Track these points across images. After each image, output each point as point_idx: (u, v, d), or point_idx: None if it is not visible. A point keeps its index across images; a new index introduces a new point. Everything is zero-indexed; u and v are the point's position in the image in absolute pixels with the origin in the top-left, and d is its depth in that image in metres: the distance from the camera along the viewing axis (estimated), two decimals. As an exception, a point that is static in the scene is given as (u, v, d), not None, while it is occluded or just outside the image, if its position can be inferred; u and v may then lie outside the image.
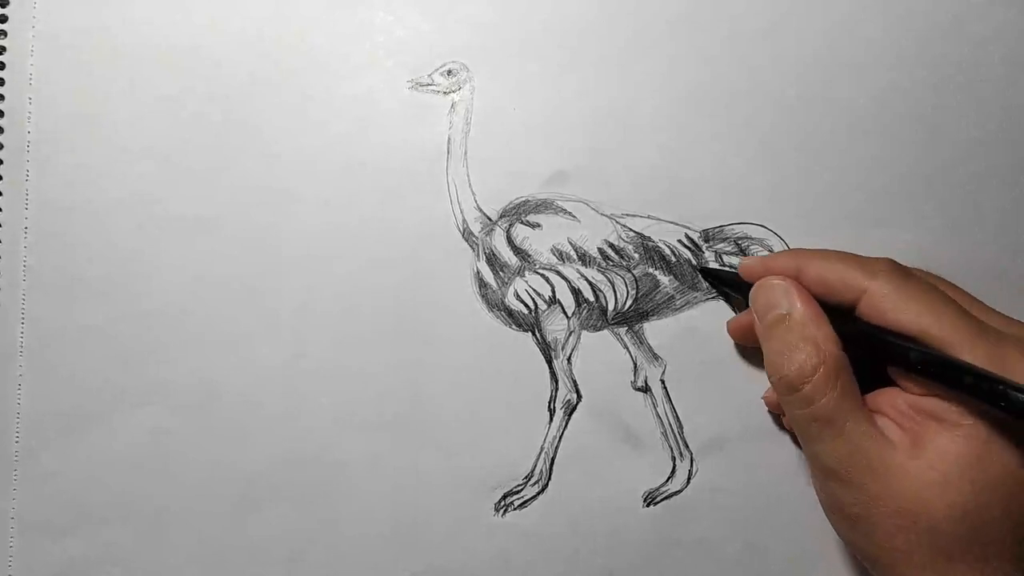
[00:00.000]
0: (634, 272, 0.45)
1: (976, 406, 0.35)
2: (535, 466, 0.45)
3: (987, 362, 0.35)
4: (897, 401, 0.38)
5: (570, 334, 0.45)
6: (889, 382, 0.39)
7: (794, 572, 0.45)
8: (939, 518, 0.35)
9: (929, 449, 0.35)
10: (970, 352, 0.35)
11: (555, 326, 0.45)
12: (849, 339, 0.38)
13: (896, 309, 0.37)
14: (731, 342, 0.45)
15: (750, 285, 0.42)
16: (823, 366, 0.37)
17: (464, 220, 0.45)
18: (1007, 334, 0.36)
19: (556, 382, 0.45)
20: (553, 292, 0.45)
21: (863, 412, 0.37)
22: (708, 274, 0.45)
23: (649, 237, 0.45)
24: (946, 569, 0.35)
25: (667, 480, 0.45)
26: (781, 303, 0.39)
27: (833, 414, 0.37)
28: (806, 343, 0.37)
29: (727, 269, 0.45)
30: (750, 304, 0.41)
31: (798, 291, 0.39)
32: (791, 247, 0.45)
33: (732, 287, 0.44)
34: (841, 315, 0.39)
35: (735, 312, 0.45)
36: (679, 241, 0.45)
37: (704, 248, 0.45)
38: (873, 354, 0.38)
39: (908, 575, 0.36)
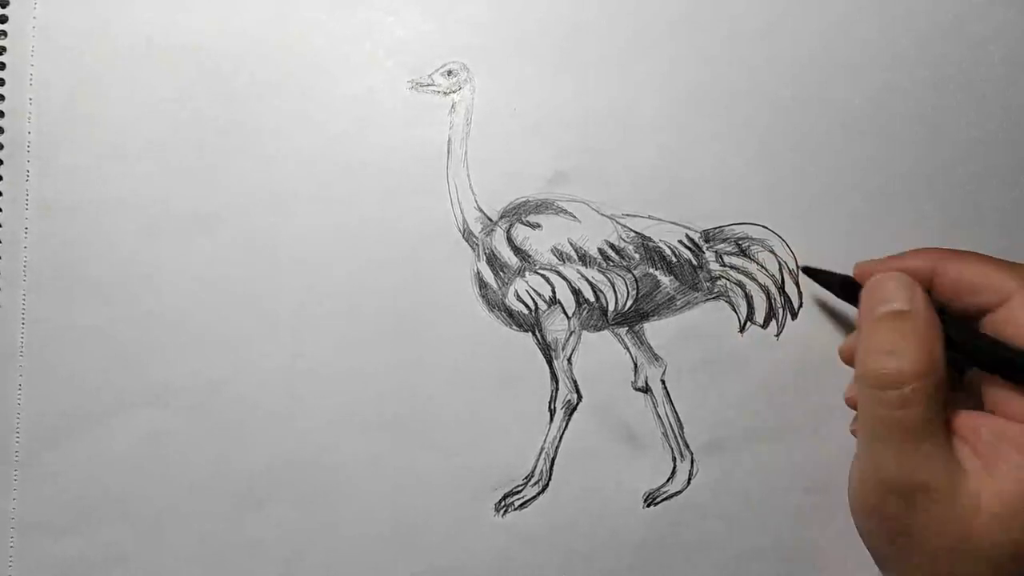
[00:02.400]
0: (634, 272, 0.45)
1: None
2: (535, 466, 0.45)
3: None
4: (980, 428, 0.36)
5: (570, 334, 0.45)
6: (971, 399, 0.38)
7: (794, 572, 0.45)
8: (989, 550, 0.34)
9: (1002, 479, 0.34)
10: None
11: (555, 326, 0.45)
12: (960, 349, 0.37)
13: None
14: (732, 342, 0.45)
15: (857, 289, 0.40)
16: (930, 376, 0.35)
17: (464, 220, 0.45)
18: None
19: (556, 382, 0.45)
20: (553, 292, 0.45)
21: (945, 432, 0.35)
22: (811, 273, 0.44)
23: (649, 237, 0.45)
24: None
25: (667, 480, 0.45)
26: (899, 297, 0.37)
27: (918, 426, 0.35)
28: (920, 345, 0.35)
29: (831, 271, 0.43)
30: (860, 302, 0.39)
31: (920, 290, 0.37)
32: (792, 247, 0.45)
33: (839, 290, 0.42)
34: (957, 325, 0.37)
35: (739, 318, 0.45)
36: (679, 241, 0.45)
37: (704, 248, 0.45)
38: (984, 367, 0.36)
39: None
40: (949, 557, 0.35)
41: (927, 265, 0.38)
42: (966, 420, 0.37)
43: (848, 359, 0.42)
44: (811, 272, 0.44)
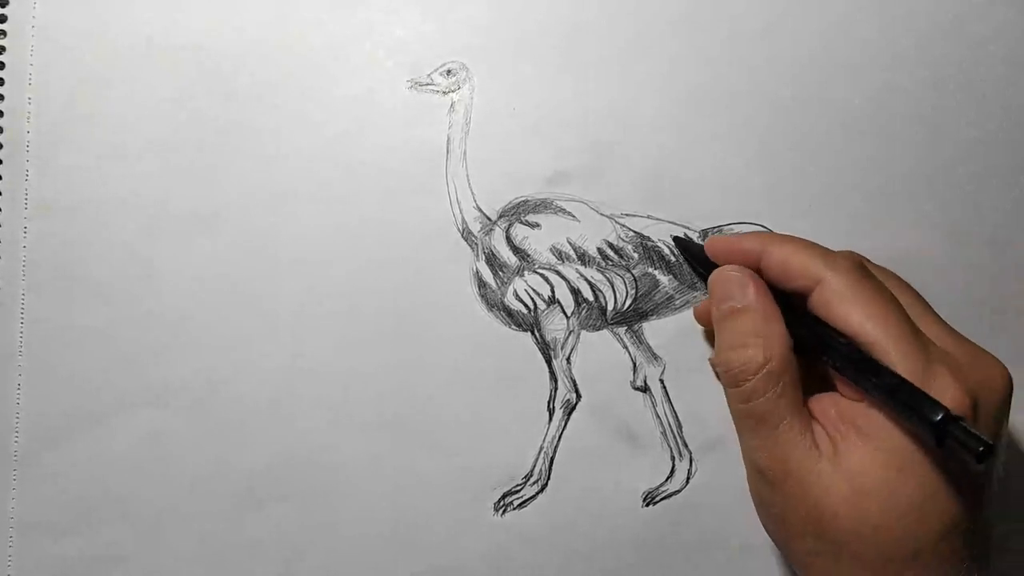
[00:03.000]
0: (633, 272, 0.45)
1: (898, 422, 0.35)
2: (534, 466, 0.45)
3: (913, 374, 0.34)
4: (829, 407, 0.37)
5: (569, 334, 0.45)
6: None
7: (793, 572, 0.45)
8: (846, 531, 0.35)
9: (847, 461, 0.35)
10: (901, 362, 0.34)
11: (554, 326, 0.45)
12: (799, 337, 0.38)
13: (842, 305, 0.36)
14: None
15: (711, 266, 0.41)
16: (768, 364, 0.37)
17: (463, 220, 0.45)
18: (947, 353, 0.36)
19: (555, 382, 0.45)
20: (552, 292, 0.45)
21: (800, 415, 0.37)
22: (680, 245, 0.44)
23: (648, 237, 0.45)
24: None
25: (666, 480, 0.45)
26: (735, 295, 0.39)
27: (769, 414, 0.36)
28: (756, 339, 0.37)
29: (697, 243, 0.44)
30: (708, 289, 0.41)
31: (755, 284, 0.39)
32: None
33: (700, 264, 0.43)
34: (796, 309, 0.39)
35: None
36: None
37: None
38: (816, 351, 0.38)
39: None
40: (814, 541, 0.36)
41: (756, 249, 0.39)
42: (818, 403, 0.38)
43: (703, 320, 0.44)
44: (682, 244, 0.44)
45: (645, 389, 0.45)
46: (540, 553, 0.45)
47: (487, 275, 0.45)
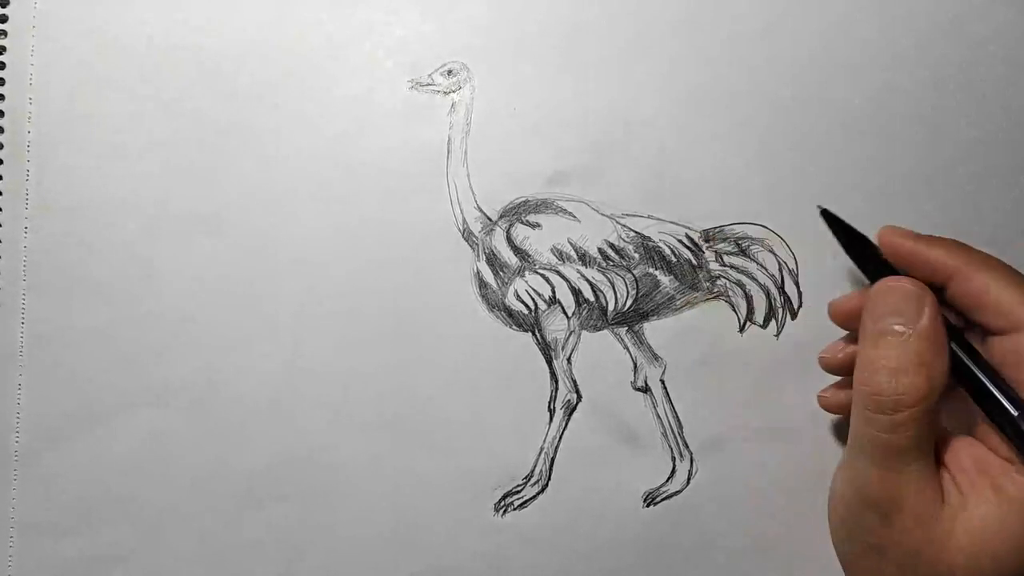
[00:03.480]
0: (634, 272, 0.45)
1: None
2: (535, 466, 0.45)
3: None
4: (963, 454, 0.35)
5: (570, 334, 0.45)
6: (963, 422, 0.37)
7: (794, 572, 0.45)
8: None
9: (975, 515, 0.33)
10: None
11: (555, 326, 0.45)
12: (957, 372, 0.35)
13: None
14: (732, 342, 0.45)
15: (877, 262, 0.37)
16: (928, 401, 0.34)
17: (464, 220, 0.45)
18: None
19: (556, 382, 0.45)
20: (553, 292, 0.45)
21: (930, 458, 0.34)
22: (830, 220, 0.40)
23: (649, 237, 0.45)
24: None
25: (667, 480, 0.45)
26: (907, 314, 0.34)
27: (907, 451, 0.34)
28: (920, 371, 0.34)
29: (861, 234, 0.40)
30: (870, 293, 0.37)
31: (932, 308, 0.34)
32: (791, 247, 0.45)
33: (858, 254, 0.39)
34: (963, 344, 0.35)
35: (739, 318, 0.45)
36: (679, 241, 0.45)
37: (704, 248, 0.45)
38: (976, 398, 0.35)
39: None
40: None
41: (949, 265, 0.35)
42: (953, 445, 0.36)
43: (839, 320, 0.40)
44: (829, 217, 0.40)
45: (646, 389, 0.45)
46: (540, 553, 0.45)
47: (488, 275, 0.45)
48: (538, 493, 0.45)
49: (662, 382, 0.45)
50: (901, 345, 0.34)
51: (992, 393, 0.34)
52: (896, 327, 0.34)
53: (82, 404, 0.45)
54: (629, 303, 0.45)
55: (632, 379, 0.45)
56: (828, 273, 0.45)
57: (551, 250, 0.45)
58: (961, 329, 0.37)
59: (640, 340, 0.45)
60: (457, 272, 0.45)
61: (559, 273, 0.45)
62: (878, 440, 0.34)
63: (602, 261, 0.45)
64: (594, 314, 0.45)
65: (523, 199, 0.45)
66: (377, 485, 0.45)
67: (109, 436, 0.45)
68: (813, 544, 0.45)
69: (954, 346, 0.35)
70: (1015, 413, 0.34)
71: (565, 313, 0.45)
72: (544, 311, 0.45)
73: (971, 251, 0.36)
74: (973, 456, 0.35)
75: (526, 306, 0.45)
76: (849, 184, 0.45)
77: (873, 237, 0.40)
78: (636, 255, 0.45)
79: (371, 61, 0.45)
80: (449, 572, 0.45)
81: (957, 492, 0.34)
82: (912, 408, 0.33)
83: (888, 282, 0.36)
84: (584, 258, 0.45)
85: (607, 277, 0.45)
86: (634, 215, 0.45)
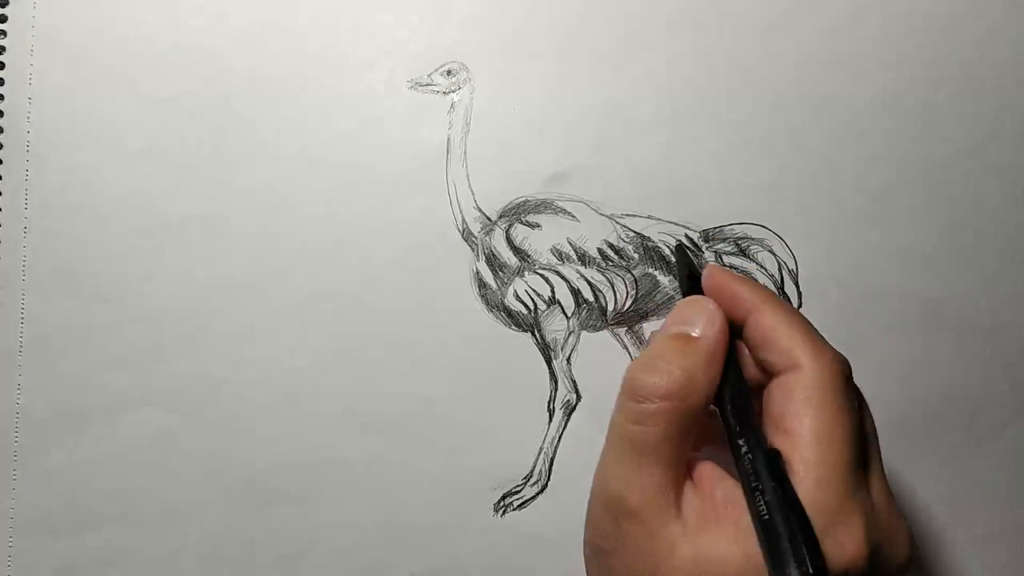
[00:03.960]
0: (634, 272, 0.45)
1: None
2: (534, 466, 0.45)
3: (825, 508, 0.31)
4: (718, 482, 0.33)
5: (570, 334, 0.45)
6: None
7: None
8: None
9: (706, 537, 0.32)
10: (820, 488, 0.31)
11: (555, 326, 0.45)
12: (720, 399, 0.35)
13: (803, 404, 0.32)
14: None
15: (695, 284, 0.38)
16: (679, 401, 0.33)
17: (464, 220, 0.45)
18: (869, 498, 0.32)
19: (556, 382, 0.45)
20: (552, 292, 0.45)
21: (677, 470, 0.33)
22: (679, 252, 0.41)
23: (649, 237, 0.45)
24: None
25: (667, 480, 0.45)
26: (697, 324, 0.35)
27: (648, 448, 0.33)
28: (684, 371, 0.33)
29: (693, 259, 0.42)
30: (676, 305, 0.37)
31: (722, 329, 0.34)
32: (791, 247, 0.45)
33: (688, 279, 0.40)
34: (739, 382, 0.35)
35: None
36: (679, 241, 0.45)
37: (704, 248, 0.45)
38: (728, 429, 0.34)
39: None
40: None
41: (749, 300, 0.35)
42: (709, 469, 0.34)
43: None
44: (681, 253, 0.41)
45: (645, 389, 0.45)
46: (540, 554, 0.45)
47: (487, 275, 0.45)
48: (537, 493, 0.45)
49: (662, 382, 0.45)
50: (678, 346, 0.34)
51: (734, 430, 0.33)
52: (682, 331, 0.35)
53: (82, 404, 0.45)
54: (629, 303, 0.45)
55: (632, 379, 0.45)
56: (828, 273, 0.45)
57: (550, 250, 0.45)
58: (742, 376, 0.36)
59: (640, 340, 0.45)
60: (456, 272, 0.45)
61: (558, 273, 0.45)
62: (625, 431, 0.34)
63: (601, 261, 0.45)
64: (594, 314, 0.45)
65: (523, 199, 0.45)
66: (377, 485, 0.45)
67: (109, 436, 0.45)
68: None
69: (734, 382, 0.35)
70: (748, 456, 0.32)
71: (564, 313, 0.45)
72: (544, 311, 0.45)
73: (771, 294, 0.36)
74: (725, 487, 0.33)
75: (525, 306, 0.45)
76: (849, 184, 0.45)
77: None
78: (636, 255, 0.45)
79: (371, 61, 0.45)
80: (449, 572, 0.45)
81: (697, 510, 0.33)
82: (661, 401, 0.33)
83: (692, 297, 0.36)
84: (583, 258, 0.45)
85: (607, 277, 0.45)
86: (633, 215, 0.45)
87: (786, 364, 0.33)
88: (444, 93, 0.45)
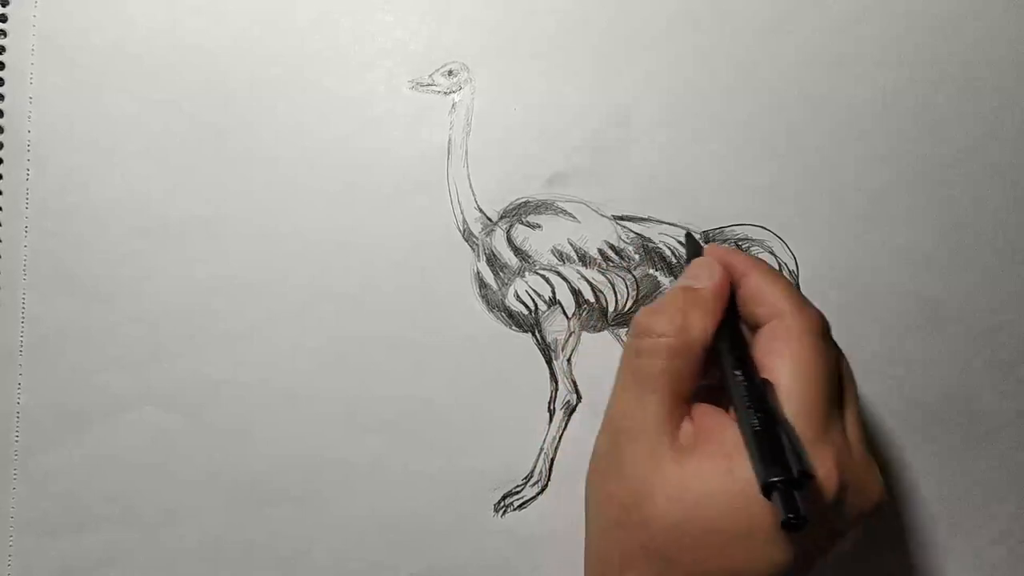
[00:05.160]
0: (634, 273, 0.45)
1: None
2: (535, 467, 0.45)
3: (802, 436, 0.33)
4: (709, 416, 0.36)
5: (570, 335, 0.45)
6: None
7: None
8: (656, 515, 0.34)
9: (694, 461, 0.34)
10: (798, 418, 0.34)
11: (555, 327, 0.45)
12: (717, 350, 0.37)
13: (785, 344, 0.36)
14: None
15: None
16: (672, 338, 0.36)
17: (464, 221, 0.45)
18: (846, 444, 0.35)
19: (556, 383, 0.45)
20: (553, 293, 0.45)
21: (676, 403, 0.36)
22: (689, 242, 0.44)
23: (650, 238, 0.45)
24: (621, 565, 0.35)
25: (667, 480, 0.45)
26: (701, 277, 0.39)
27: (648, 378, 0.36)
28: (685, 314, 0.37)
29: (701, 244, 0.44)
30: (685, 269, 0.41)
31: (722, 281, 0.38)
32: (791, 248, 0.45)
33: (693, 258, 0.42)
34: (735, 333, 0.38)
35: None
36: (679, 242, 0.45)
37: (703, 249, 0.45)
38: (725, 377, 0.37)
39: (594, 543, 0.37)
40: (624, 512, 0.35)
41: (742, 265, 0.39)
42: (705, 407, 0.37)
43: None
44: (691, 242, 0.44)
45: (646, 390, 0.45)
46: (540, 554, 0.45)
47: (488, 276, 0.45)
48: (538, 494, 0.45)
49: (662, 383, 0.45)
50: (682, 296, 0.38)
51: (731, 365, 0.36)
52: (687, 283, 0.39)
53: (82, 404, 0.45)
54: (629, 304, 0.45)
55: (632, 379, 0.45)
56: (828, 274, 0.45)
57: (551, 251, 0.45)
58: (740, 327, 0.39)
59: (640, 340, 0.45)
60: (457, 273, 0.45)
61: (559, 274, 0.45)
62: (629, 364, 0.38)
63: (602, 262, 0.45)
64: (594, 315, 0.45)
65: (523, 200, 0.45)
66: (377, 485, 0.45)
67: (109, 436, 0.45)
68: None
69: (730, 333, 0.38)
70: (743, 384, 0.35)
71: (565, 314, 0.45)
72: (544, 312, 0.45)
73: (762, 262, 0.40)
74: (715, 418, 0.36)
75: (526, 307, 0.45)
76: (850, 184, 0.45)
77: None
78: (636, 256, 0.45)
79: (371, 61, 0.45)
80: (449, 572, 0.45)
81: (693, 439, 0.35)
82: (661, 337, 0.37)
83: (702, 257, 0.40)
84: (584, 259, 0.45)
85: (607, 278, 0.45)
86: (634, 216, 0.45)
87: (771, 314, 0.37)
88: (445, 93, 0.45)
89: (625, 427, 0.37)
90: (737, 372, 0.35)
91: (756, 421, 0.33)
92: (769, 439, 0.32)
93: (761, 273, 0.38)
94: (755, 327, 0.38)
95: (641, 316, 0.38)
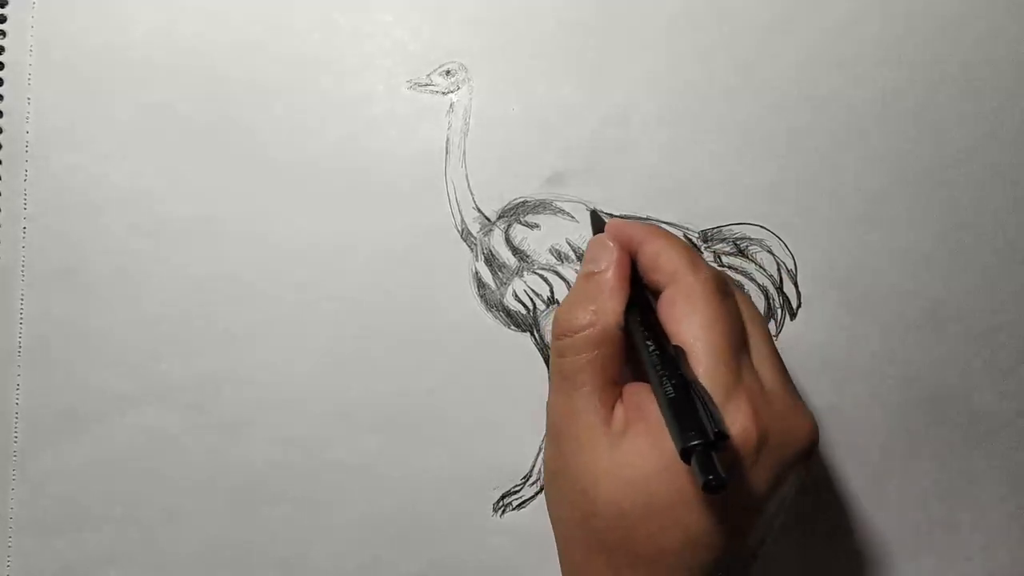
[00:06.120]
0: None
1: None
2: (534, 466, 0.45)
3: (713, 392, 0.33)
4: (636, 394, 0.36)
5: (569, 334, 0.45)
6: None
7: (792, 571, 0.45)
8: (601, 504, 0.34)
9: (628, 444, 0.35)
10: (706, 376, 0.34)
11: (554, 326, 0.45)
12: (630, 324, 0.38)
13: (685, 304, 0.36)
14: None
15: None
16: (589, 330, 0.37)
17: (463, 220, 0.45)
18: (762, 390, 0.35)
19: (555, 382, 0.45)
20: (551, 292, 0.45)
21: (605, 389, 0.36)
22: (593, 218, 0.44)
23: (648, 237, 0.45)
24: (585, 559, 0.36)
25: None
26: (599, 260, 0.39)
27: (574, 375, 0.37)
28: (591, 304, 0.37)
29: (603, 220, 0.44)
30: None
31: (619, 257, 0.39)
32: (790, 247, 0.45)
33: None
34: (645, 302, 0.38)
35: None
36: (678, 241, 0.45)
37: (703, 248, 0.45)
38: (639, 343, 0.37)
39: (561, 548, 0.37)
40: (571, 508, 0.36)
41: (638, 235, 0.39)
42: (632, 389, 0.37)
43: None
44: (594, 218, 0.44)
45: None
46: (539, 553, 0.45)
47: (486, 276, 0.45)
48: (537, 493, 0.45)
49: (661, 382, 0.45)
50: (586, 285, 0.39)
51: (649, 329, 0.36)
52: (590, 269, 0.39)
53: (82, 404, 0.45)
54: (628, 303, 0.45)
55: (631, 379, 0.45)
56: (828, 274, 0.45)
57: (549, 250, 0.45)
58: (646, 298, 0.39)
59: (639, 340, 0.45)
60: (456, 272, 0.45)
61: (557, 273, 0.45)
62: (555, 365, 0.38)
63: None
64: (593, 314, 0.45)
65: (522, 199, 0.45)
66: (376, 485, 0.45)
67: (108, 436, 0.45)
68: (811, 542, 0.45)
69: (640, 304, 0.38)
70: (655, 353, 0.35)
71: (564, 313, 0.45)
72: (542, 311, 0.45)
73: (657, 228, 0.40)
74: (640, 396, 0.36)
75: (524, 306, 0.45)
76: (850, 184, 0.45)
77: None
78: (635, 255, 0.45)
79: (370, 61, 0.45)
80: (447, 572, 0.45)
81: (624, 425, 0.35)
82: (577, 334, 0.37)
83: (594, 238, 0.41)
84: (582, 259, 0.45)
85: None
86: (633, 215, 0.45)
87: (669, 279, 0.37)
88: (443, 93, 0.45)
89: (563, 428, 0.37)
90: (649, 343, 0.36)
91: (670, 388, 0.33)
92: (682, 405, 0.32)
93: (654, 240, 0.39)
94: (658, 294, 0.38)
95: (559, 314, 0.38)
